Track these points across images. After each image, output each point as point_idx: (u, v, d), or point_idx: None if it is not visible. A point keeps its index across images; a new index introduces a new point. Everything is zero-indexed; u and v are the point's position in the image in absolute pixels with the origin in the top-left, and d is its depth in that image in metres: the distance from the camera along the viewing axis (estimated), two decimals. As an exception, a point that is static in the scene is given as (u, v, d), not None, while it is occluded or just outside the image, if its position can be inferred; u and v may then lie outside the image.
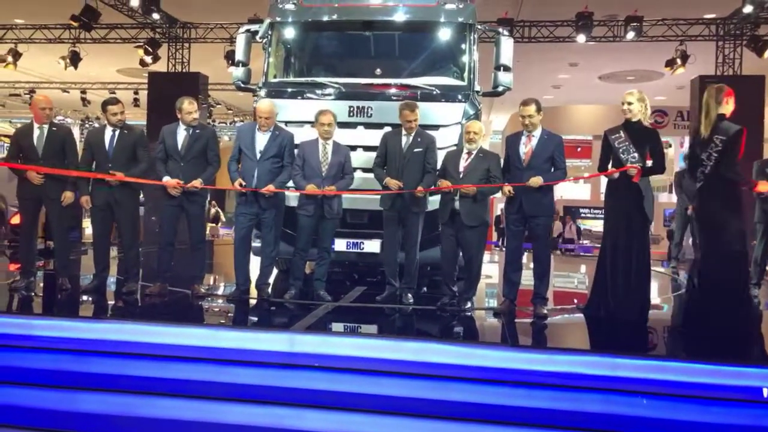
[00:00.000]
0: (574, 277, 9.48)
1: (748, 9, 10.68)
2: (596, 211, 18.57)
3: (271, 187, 5.04)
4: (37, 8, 12.53)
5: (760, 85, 12.10)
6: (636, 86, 17.12)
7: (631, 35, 12.07)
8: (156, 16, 12.43)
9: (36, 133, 5.19)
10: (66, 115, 23.40)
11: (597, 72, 16.90)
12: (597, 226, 19.04)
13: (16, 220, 9.09)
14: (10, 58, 14.32)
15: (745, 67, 12.54)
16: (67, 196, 5.19)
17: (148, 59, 13.60)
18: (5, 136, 11.18)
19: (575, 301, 6.36)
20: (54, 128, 5.26)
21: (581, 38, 12.21)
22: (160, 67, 14.25)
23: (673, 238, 9.14)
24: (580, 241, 17.11)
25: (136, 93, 18.52)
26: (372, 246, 5.79)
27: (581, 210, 19.12)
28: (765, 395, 3.46)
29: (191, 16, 13.89)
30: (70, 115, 23.76)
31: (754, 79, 12.13)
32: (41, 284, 5.43)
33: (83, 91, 19.24)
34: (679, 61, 12.55)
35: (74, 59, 13.99)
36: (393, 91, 5.94)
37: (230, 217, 20.15)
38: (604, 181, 5.00)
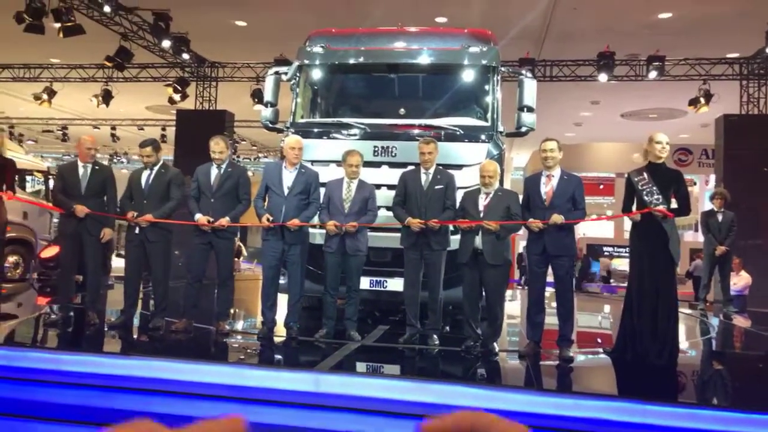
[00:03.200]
0: (597, 317, 9.33)
1: (771, 49, 10.67)
2: (620, 250, 18.36)
3: (296, 221, 5.12)
4: (72, 49, 13.00)
5: (785, 124, 12.00)
6: (659, 124, 17.18)
7: (653, 74, 12.11)
8: (186, 56, 12.81)
9: (80, 171, 5.42)
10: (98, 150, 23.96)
11: (619, 110, 16.93)
12: (621, 264, 18.81)
13: (46, 253, 9.29)
14: (45, 96, 14.84)
15: (771, 106, 12.47)
16: (107, 233, 5.38)
17: (177, 97, 13.97)
18: (38, 171, 11.47)
19: (598, 340, 6.27)
20: (97, 167, 5.50)
21: (603, 77, 12.28)
22: (188, 104, 14.63)
23: (694, 278, 9.00)
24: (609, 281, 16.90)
25: (163, 129, 18.99)
26: (395, 284, 5.80)
27: (604, 248, 18.91)
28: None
29: (219, 56, 14.29)
30: (100, 150, 24.37)
31: (780, 118, 12.04)
32: (72, 319, 5.52)
33: (113, 128, 19.77)
34: (702, 99, 12.52)
35: (106, 97, 14.45)
36: (417, 131, 6.03)
37: (252, 251, 20.33)
38: (628, 220, 4.99)
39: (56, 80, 14.89)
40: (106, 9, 10.77)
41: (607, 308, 11.10)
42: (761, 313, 9.38)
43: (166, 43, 11.75)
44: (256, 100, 14.31)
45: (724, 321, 7.81)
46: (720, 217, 8.10)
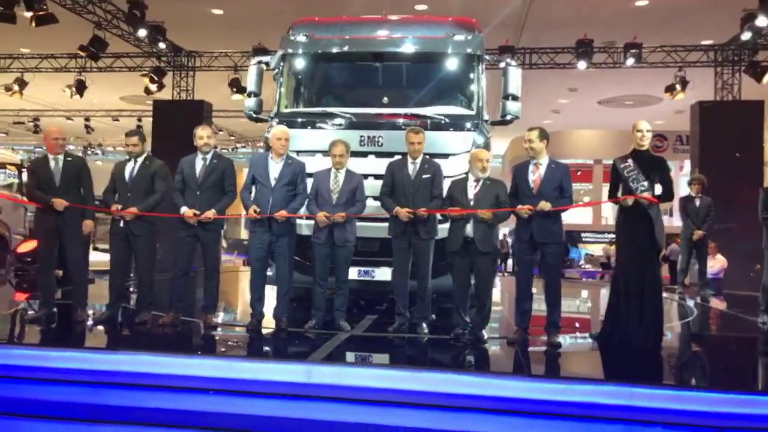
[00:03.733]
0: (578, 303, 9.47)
1: (746, 36, 10.86)
2: (598, 236, 18.63)
3: (283, 212, 5.09)
4: (43, 38, 12.69)
5: (759, 110, 12.25)
6: (635, 111, 17.40)
7: (630, 61, 12.25)
8: (162, 45, 12.60)
9: (52, 164, 5.26)
10: (69, 142, 23.51)
11: (596, 97, 17.12)
12: (598, 250, 19.09)
13: (23, 248, 9.11)
14: (16, 87, 14.49)
15: (744, 92, 12.70)
16: (87, 225, 5.27)
17: (154, 87, 13.76)
18: (10, 164, 11.21)
19: (576, 325, 6.36)
20: (69, 158, 5.35)
21: (582, 65, 12.40)
22: (165, 95, 14.41)
23: (670, 262, 9.16)
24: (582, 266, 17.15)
25: (139, 120, 18.70)
26: (383, 274, 5.81)
27: (582, 234, 19.17)
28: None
29: (196, 45, 14.08)
30: (73, 142, 23.90)
31: (754, 104, 12.28)
32: (55, 315, 5.42)
33: (87, 119, 19.40)
34: (678, 86, 12.72)
35: (80, 88, 14.17)
36: (403, 120, 6.02)
37: (231, 243, 20.17)
38: (606, 206, 5.07)
39: (27, 71, 14.54)
40: (80, -3, 10.53)
41: (585, 293, 11.28)
42: (735, 295, 9.62)
43: (142, 32, 11.55)
44: (234, 89, 14.15)
45: (701, 304, 7.99)
46: (698, 202, 8.24)
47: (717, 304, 8.41)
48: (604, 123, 19.53)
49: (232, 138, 22.82)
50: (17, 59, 14.60)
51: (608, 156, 19.20)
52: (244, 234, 19.98)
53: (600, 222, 19.89)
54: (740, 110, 12.39)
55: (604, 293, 10.67)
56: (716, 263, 9.80)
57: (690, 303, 8.01)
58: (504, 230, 16.37)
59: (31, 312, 5.25)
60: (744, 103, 12.54)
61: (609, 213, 21.08)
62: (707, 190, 8.39)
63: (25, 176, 11.62)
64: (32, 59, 14.55)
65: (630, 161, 4.84)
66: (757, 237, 6.09)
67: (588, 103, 17.62)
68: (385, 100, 6.36)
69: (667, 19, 11.46)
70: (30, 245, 9.06)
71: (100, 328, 5.27)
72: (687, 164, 16.10)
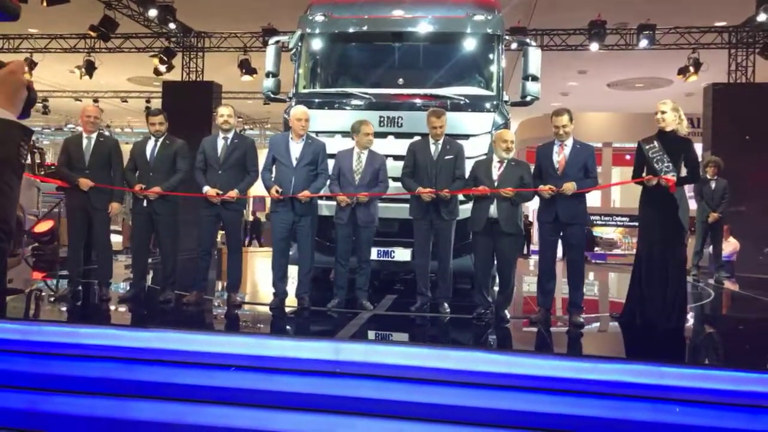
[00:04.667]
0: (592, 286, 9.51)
1: (762, 17, 10.75)
2: (607, 218, 18.60)
3: (306, 193, 5.11)
4: (51, 19, 12.62)
5: (773, 92, 12.17)
6: (645, 93, 17.29)
7: (644, 43, 12.15)
8: (172, 25, 12.53)
9: (84, 142, 5.28)
10: (77, 124, 23.51)
11: (606, 79, 17.00)
12: (607, 233, 19.09)
13: (40, 228, 9.15)
14: (25, 68, 14.42)
15: (759, 75, 12.60)
16: (114, 207, 5.28)
17: (163, 68, 13.71)
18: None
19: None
20: (101, 139, 5.37)
21: (594, 46, 12.31)
22: (174, 75, 14.35)
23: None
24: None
25: (148, 101, 18.65)
26: (403, 254, 5.85)
27: (592, 217, 19.15)
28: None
29: (205, 26, 14.00)
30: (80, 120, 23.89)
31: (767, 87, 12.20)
32: (81, 293, 5.48)
33: (95, 100, 19.36)
34: (691, 68, 12.63)
35: (89, 68, 14.12)
36: (422, 101, 6.00)
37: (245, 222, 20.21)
38: (615, 188, 5.08)
39: (36, 51, 14.48)
40: (91, -24, 10.45)
41: (592, 275, 11.31)
42: (748, 277, 9.65)
43: (153, 13, 11.47)
44: (244, 70, 14.09)
45: (716, 286, 8.02)
46: (713, 185, 8.25)
47: (731, 286, 8.44)
48: (614, 106, 19.41)
49: (240, 119, 22.75)
50: (26, 39, 14.54)
51: (617, 139, 19.14)
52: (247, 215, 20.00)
53: (609, 204, 19.85)
54: (754, 93, 12.31)
55: (616, 276, 10.71)
56: (729, 246, 9.80)
57: (706, 285, 8.05)
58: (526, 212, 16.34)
59: (60, 289, 5.28)
60: (758, 86, 12.45)
61: (617, 195, 21.04)
62: (722, 173, 8.39)
63: (38, 157, 11.68)
64: (41, 39, 14.49)
65: (655, 142, 4.83)
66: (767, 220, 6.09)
67: (597, 85, 17.51)
68: (401, 81, 6.34)
69: (681, 1, 11.35)
70: (47, 225, 9.12)
71: (126, 306, 5.32)
72: (698, 147, 16.02)
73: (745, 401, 3.57)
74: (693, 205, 8.59)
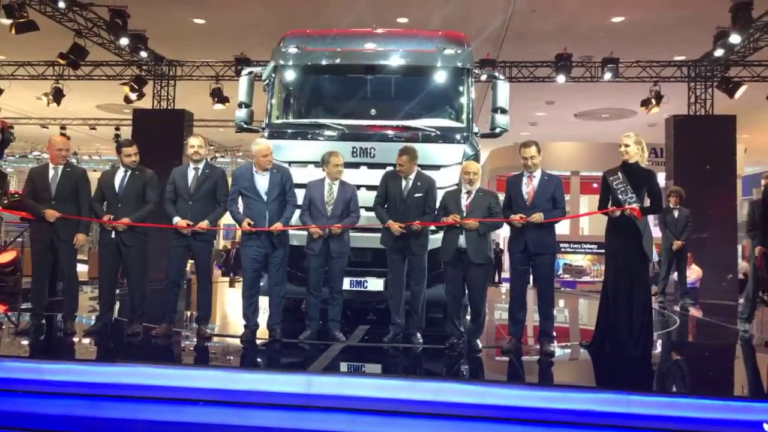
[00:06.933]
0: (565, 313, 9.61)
1: (719, 52, 11.20)
2: (575, 245, 18.89)
3: (279, 225, 5.10)
4: (19, 46, 12.48)
5: (731, 124, 12.62)
6: (610, 123, 17.77)
7: (608, 76, 12.53)
8: (144, 54, 12.49)
9: (51, 173, 5.20)
10: (43, 151, 23.08)
11: (573, 110, 17.45)
12: (576, 260, 19.37)
13: (2, 258, 8.91)
14: (-2, 110, 14.19)
15: (717, 107, 13.08)
16: (80, 239, 5.18)
17: (134, 96, 13.61)
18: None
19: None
20: (69, 168, 5.29)
21: (561, 78, 12.64)
22: (145, 103, 14.26)
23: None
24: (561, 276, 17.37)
25: (117, 129, 18.44)
26: (376, 284, 5.85)
27: (561, 244, 19.46)
28: (766, 429, 3.58)
29: (177, 54, 13.98)
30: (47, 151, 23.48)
31: (726, 119, 12.65)
32: (44, 327, 5.34)
33: (63, 127, 19.08)
34: (653, 101, 13.03)
35: (57, 95, 13.94)
36: (394, 132, 6.08)
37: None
38: (584, 216, 5.19)
39: (2, 78, 14.26)
40: (61, 5, 10.39)
41: (562, 303, 11.44)
42: (711, 304, 9.89)
43: (124, 41, 11.42)
44: (216, 99, 14.08)
45: (681, 312, 8.19)
46: (676, 214, 8.49)
47: (695, 312, 8.63)
48: (581, 135, 19.90)
49: (212, 147, 22.64)
50: (-8, 66, 14.33)
51: (585, 168, 19.57)
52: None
53: (578, 232, 20.19)
54: (713, 124, 12.76)
55: (586, 302, 10.85)
56: (692, 273, 10.05)
57: (671, 312, 8.21)
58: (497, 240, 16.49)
59: (23, 323, 5.13)
60: (716, 118, 12.90)
61: (585, 224, 21.41)
62: (684, 202, 8.64)
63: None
64: (8, 66, 14.29)
65: (619, 174, 4.97)
66: (728, 247, 6.28)
67: (565, 115, 17.95)
68: (373, 111, 6.42)
69: (643, 35, 11.77)
70: (9, 255, 8.88)
71: (93, 339, 5.20)
72: (660, 176, 16.47)
73: (710, 429, 3.64)
74: (657, 233, 8.82)
